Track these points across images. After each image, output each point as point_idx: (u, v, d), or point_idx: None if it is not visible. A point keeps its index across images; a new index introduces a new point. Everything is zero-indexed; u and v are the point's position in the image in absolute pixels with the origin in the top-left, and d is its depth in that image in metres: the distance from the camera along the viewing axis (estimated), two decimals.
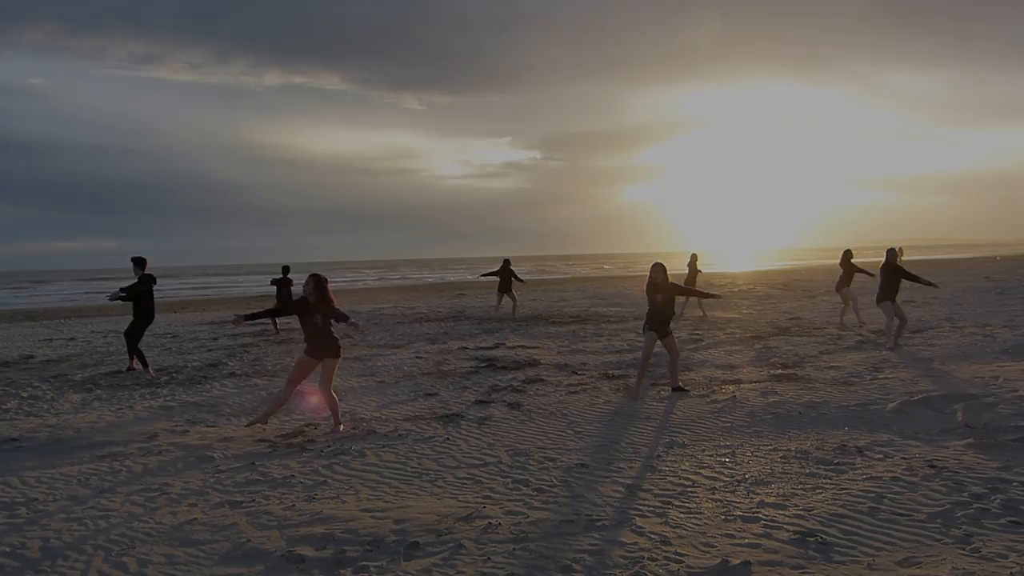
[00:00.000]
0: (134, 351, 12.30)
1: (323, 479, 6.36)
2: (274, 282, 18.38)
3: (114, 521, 5.46)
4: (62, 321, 25.57)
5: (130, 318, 12.34)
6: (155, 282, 12.48)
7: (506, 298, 20.85)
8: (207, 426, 8.46)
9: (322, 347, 7.98)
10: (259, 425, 8.17)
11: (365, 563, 4.58)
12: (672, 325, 9.75)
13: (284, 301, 16.19)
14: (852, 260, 16.31)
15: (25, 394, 10.57)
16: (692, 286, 17.46)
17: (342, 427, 8.06)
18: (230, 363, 13.20)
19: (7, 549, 4.97)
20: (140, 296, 12.11)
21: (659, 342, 9.52)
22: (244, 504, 5.76)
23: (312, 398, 9.02)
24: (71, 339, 18.31)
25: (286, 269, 18.56)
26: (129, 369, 12.53)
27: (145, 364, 12.26)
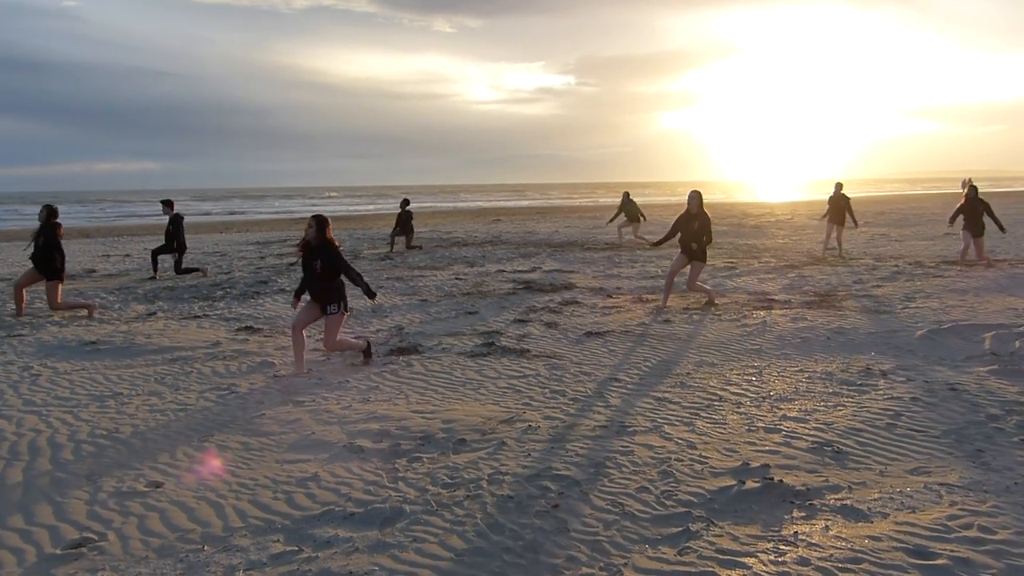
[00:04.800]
0: (156, 263, 14.76)
1: (375, 384, 6.87)
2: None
3: (192, 414, 6.06)
4: (115, 239, 26.48)
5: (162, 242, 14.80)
6: (183, 219, 14.81)
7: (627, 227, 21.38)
8: (264, 336, 9.02)
9: (322, 296, 7.41)
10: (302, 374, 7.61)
11: (418, 455, 5.08)
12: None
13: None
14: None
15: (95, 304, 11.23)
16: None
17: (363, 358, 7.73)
18: (279, 280, 13.79)
19: (104, 432, 5.59)
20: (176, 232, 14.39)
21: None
22: (306, 403, 6.30)
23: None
24: (127, 255, 19.09)
25: (405, 202, 20.46)
26: (151, 278, 14.39)
27: (195, 271, 14.69)
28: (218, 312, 10.51)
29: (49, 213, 10.46)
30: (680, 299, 11.09)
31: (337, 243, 7.53)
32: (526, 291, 12.14)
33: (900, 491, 4.38)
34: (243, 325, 9.60)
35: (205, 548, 3.86)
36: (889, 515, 4.07)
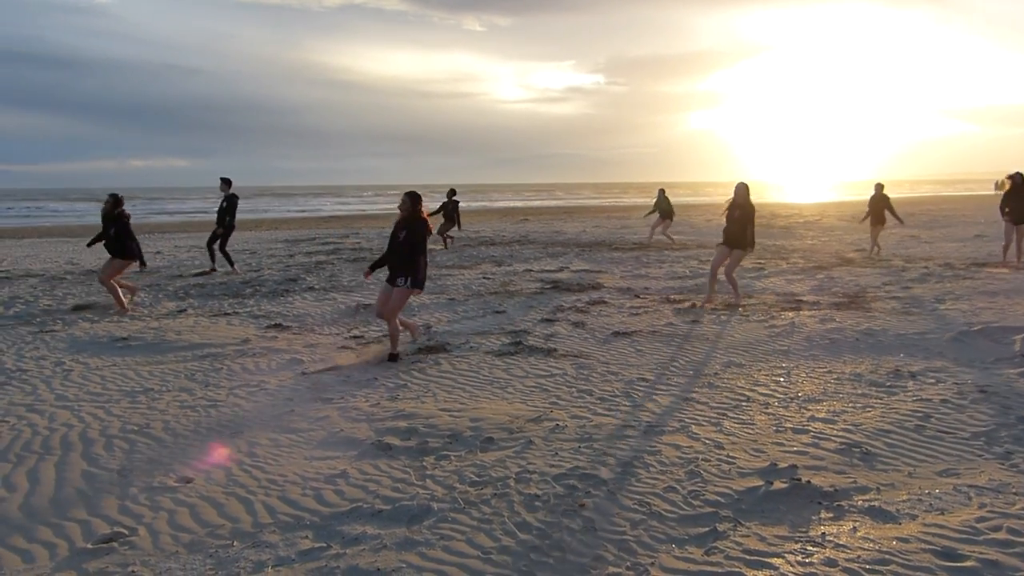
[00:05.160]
0: (214, 255, 14.72)
1: (403, 383, 6.93)
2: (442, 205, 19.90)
3: (222, 409, 6.14)
4: (145, 235, 26.84)
5: (213, 228, 14.78)
6: (238, 200, 14.80)
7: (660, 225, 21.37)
8: (293, 333, 9.12)
9: (397, 267, 7.69)
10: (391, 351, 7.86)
11: (446, 453, 5.12)
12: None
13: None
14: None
15: (125, 300, 11.42)
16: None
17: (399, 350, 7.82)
18: (308, 278, 13.90)
19: (135, 427, 5.69)
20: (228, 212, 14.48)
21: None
22: (334, 400, 6.37)
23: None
24: (158, 252, 19.33)
25: (452, 192, 20.71)
26: (211, 271, 14.57)
27: (231, 264, 14.72)
28: (248, 309, 10.63)
29: (115, 202, 10.71)
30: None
31: (429, 223, 7.87)
32: (554, 291, 12.15)
33: (928, 493, 4.35)
34: (272, 323, 9.70)
35: (234, 544, 3.92)
36: (917, 516, 4.04)
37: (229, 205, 14.61)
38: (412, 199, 7.77)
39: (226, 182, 14.77)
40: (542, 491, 4.46)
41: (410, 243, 7.65)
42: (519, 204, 64.11)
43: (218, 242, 14.68)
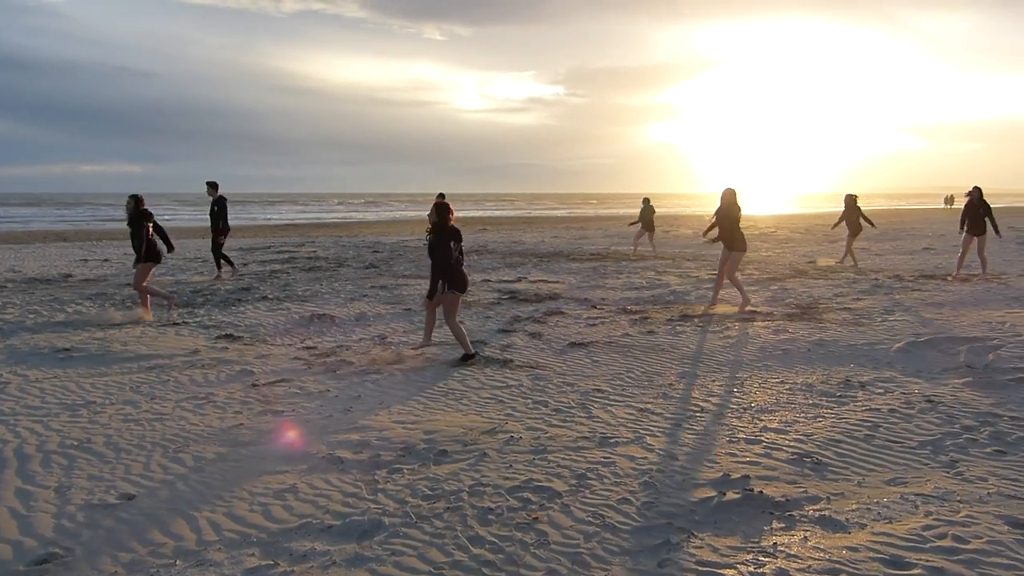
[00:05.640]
0: (219, 261, 14.87)
1: (357, 394, 6.83)
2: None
3: (168, 423, 5.97)
4: (94, 243, 26.24)
5: (213, 235, 15.00)
6: (227, 201, 15.04)
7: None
8: (244, 344, 8.95)
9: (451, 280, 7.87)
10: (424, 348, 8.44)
11: (399, 466, 5.04)
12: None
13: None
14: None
15: (70, 309, 11.13)
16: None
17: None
18: (261, 287, 13.68)
19: (75, 442, 5.50)
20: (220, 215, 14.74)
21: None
22: (285, 413, 6.25)
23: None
24: (105, 260, 18.90)
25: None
26: (217, 278, 14.68)
27: (231, 265, 15.20)
28: (198, 319, 10.42)
29: (136, 203, 10.55)
30: (663, 311, 11.12)
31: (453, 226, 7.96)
32: (511, 301, 12.13)
33: (877, 501, 4.39)
34: (223, 333, 9.52)
35: (177, 563, 3.79)
36: (866, 525, 4.08)
37: (220, 208, 14.76)
38: (438, 209, 7.85)
39: (212, 185, 14.80)
40: (496, 504, 4.42)
41: (440, 249, 7.80)
42: (478, 214, 64.16)
43: (215, 247, 14.96)
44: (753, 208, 74.20)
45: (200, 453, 5.31)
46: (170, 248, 10.96)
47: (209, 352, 8.42)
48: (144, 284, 10.68)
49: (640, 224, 21.36)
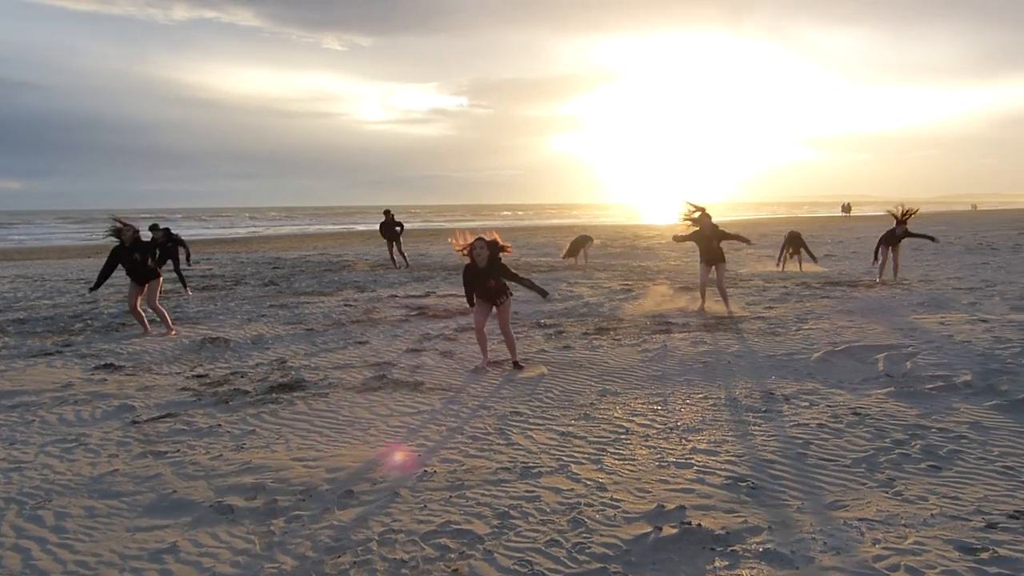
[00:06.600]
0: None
1: (251, 428, 6.19)
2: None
3: (28, 473, 5.19)
4: None
5: None
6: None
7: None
8: (125, 374, 8.13)
9: (493, 295, 8.11)
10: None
11: (298, 512, 4.47)
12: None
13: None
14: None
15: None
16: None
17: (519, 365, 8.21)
18: (148, 309, 12.68)
19: None
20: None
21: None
22: (168, 454, 5.56)
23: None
24: None
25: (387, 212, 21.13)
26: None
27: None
28: (74, 348, 9.47)
29: (132, 232, 10.52)
30: (578, 324, 10.80)
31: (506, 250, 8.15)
32: (420, 317, 11.59)
33: (821, 530, 4.09)
34: (102, 363, 8.65)
35: None
36: (814, 559, 3.76)
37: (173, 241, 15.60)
38: (491, 247, 7.91)
39: (155, 228, 15.88)
40: (409, 555, 3.91)
41: (500, 283, 8.03)
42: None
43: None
44: (657, 218, 75.63)
45: (64, 509, 4.59)
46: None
47: (84, 386, 7.58)
48: (157, 302, 10.65)
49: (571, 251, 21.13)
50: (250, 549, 4.03)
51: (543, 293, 8.25)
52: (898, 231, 14.47)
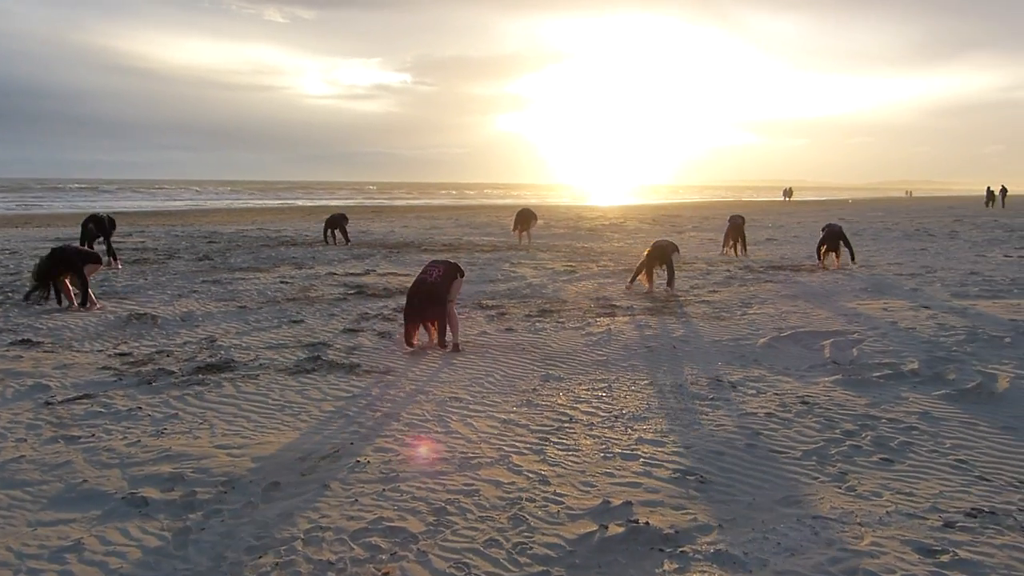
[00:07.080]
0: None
1: (174, 412, 5.80)
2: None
3: None
4: None
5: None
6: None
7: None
8: (43, 351, 7.62)
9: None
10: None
11: (218, 507, 4.14)
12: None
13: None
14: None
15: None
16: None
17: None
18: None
19: None
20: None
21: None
22: (82, 439, 5.15)
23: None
24: None
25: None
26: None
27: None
28: None
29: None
30: (521, 306, 10.57)
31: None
32: (358, 296, 11.22)
33: (774, 528, 3.93)
34: (19, 338, 8.11)
35: None
36: (768, 562, 3.59)
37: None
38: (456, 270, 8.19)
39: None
40: (337, 555, 3.62)
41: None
42: (325, 203, 61.88)
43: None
44: (601, 199, 75.87)
45: None
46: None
47: None
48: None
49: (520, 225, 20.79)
50: (163, 548, 3.69)
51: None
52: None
